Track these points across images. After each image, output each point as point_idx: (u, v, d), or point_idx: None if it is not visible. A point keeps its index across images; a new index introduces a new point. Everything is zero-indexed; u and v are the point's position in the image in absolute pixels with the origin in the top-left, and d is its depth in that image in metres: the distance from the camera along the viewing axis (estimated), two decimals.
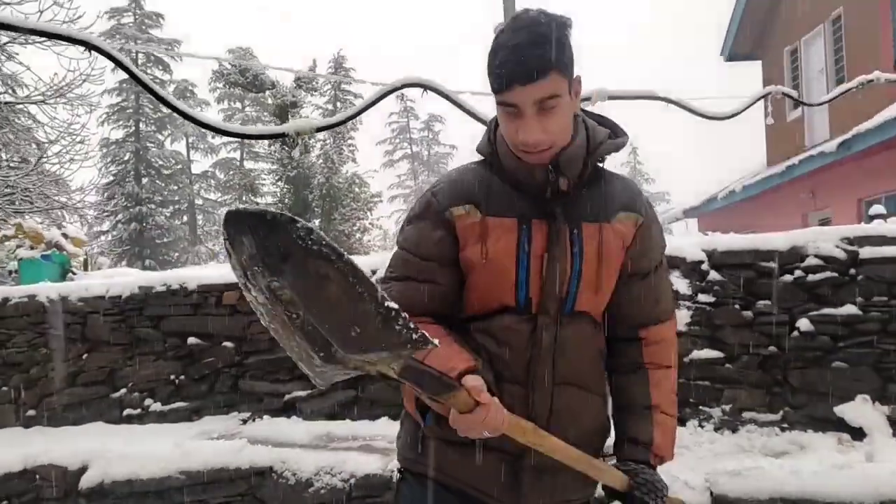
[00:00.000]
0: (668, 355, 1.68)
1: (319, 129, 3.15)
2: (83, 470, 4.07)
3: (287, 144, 16.68)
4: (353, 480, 3.70)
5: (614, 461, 1.58)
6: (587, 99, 4.00)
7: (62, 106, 13.28)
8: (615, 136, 1.61)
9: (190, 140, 33.65)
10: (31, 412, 4.94)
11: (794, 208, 14.47)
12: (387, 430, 4.20)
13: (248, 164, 34.44)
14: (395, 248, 1.64)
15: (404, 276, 1.58)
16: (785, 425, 3.79)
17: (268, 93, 19.75)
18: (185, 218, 33.15)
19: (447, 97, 3.47)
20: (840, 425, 3.64)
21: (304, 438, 4.22)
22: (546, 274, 1.52)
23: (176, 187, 31.70)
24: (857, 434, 3.57)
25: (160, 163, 30.35)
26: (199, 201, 34.87)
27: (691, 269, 4.09)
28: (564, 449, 1.44)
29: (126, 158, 29.23)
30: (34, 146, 14.81)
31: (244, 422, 4.59)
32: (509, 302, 1.54)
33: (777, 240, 3.95)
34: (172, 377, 4.78)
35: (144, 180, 29.17)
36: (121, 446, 4.21)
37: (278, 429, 4.37)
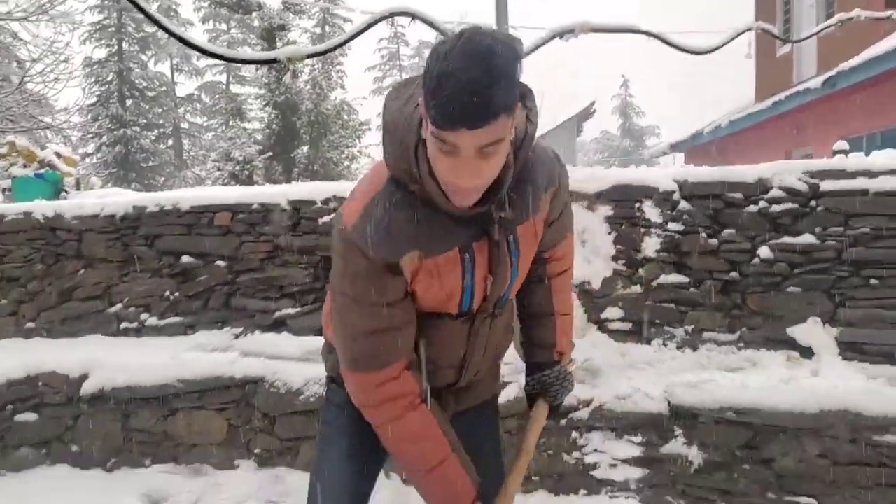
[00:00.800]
0: (567, 262, 1.93)
1: (310, 56, 3.24)
2: (84, 377, 4.30)
3: (277, 70, 16.51)
4: None
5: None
6: (571, 31, 4.10)
7: (45, 23, 13.03)
8: (527, 109, 1.50)
9: (174, 62, 32.98)
10: (31, 324, 5.11)
11: (778, 144, 14.63)
12: None
13: (235, 89, 33.87)
14: (346, 300, 1.55)
15: (375, 329, 1.54)
16: (741, 345, 4.07)
17: (254, 14, 19.36)
18: (170, 142, 32.78)
19: (435, 27, 3.56)
20: (792, 345, 3.91)
21: (293, 352, 4.43)
22: (490, 291, 1.63)
23: (160, 110, 31.25)
24: (807, 353, 3.85)
25: (144, 84, 29.84)
26: (184, 125, 34.43)
27: (663, 199, 4.28)
28: (524, 459, 1.74)
29: (109, 79, 28.71)
30: (15, 65, 14.60)
31: (236, 336, 4.80)
32: (453, 311, 1.64)
33: (745, 172, 4.14)
34: (167, 293, 4.96)
35: (128, 102, 28.74)
36: (120, 356, 4.44)
37: (269, 343, 4.56)
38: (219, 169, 17.13)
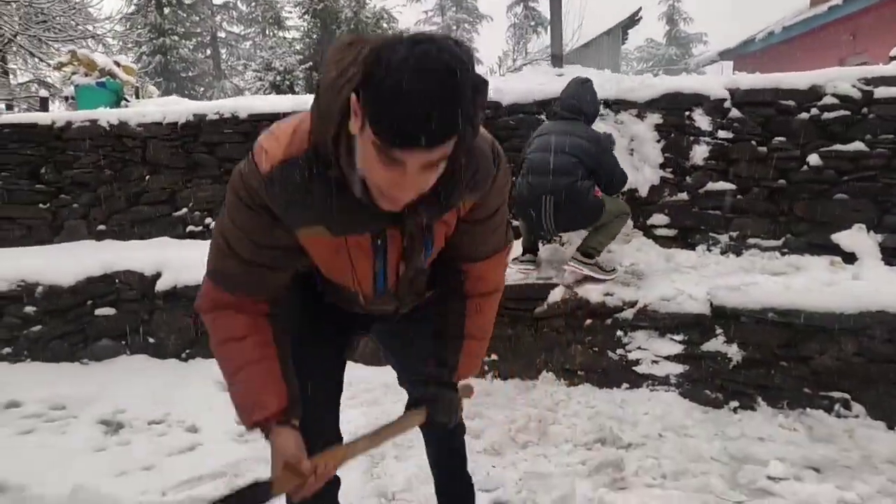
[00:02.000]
0: (491, 284, 1.78)
1: None
2: (157, 276, 4.61)
3: None
4: None
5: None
6: None
7: None
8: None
9: None
10: (102, 227, 5.42)
11: (832, 52, 14.10)
12: None
13: None
14: (233, 228, 1.48)
15: (250, 261, 1.50)
16: (785, 250, 4.17)
17: None
18: (208, 52, 32.64)
19: None
20: (836, 251, 4.01)
21: None
22: (402, 275, 1.60)
23: (198, 18, 30.94)
24: (850, 259, 3.94)
25: None
26: (221, 34, 34.15)
27: (713, 107, 4.31)
28: (369, 443, 1.62)
29: None
30: None
31: None
32: (367, 292, 1.65)
33: (798, 79, 4.13)
34: None
35: (166, 10, 28.47)
36: (188, 257, 4.71)
37: None
38: (259, 79, 17.10)
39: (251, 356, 1.52)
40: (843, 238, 3.97)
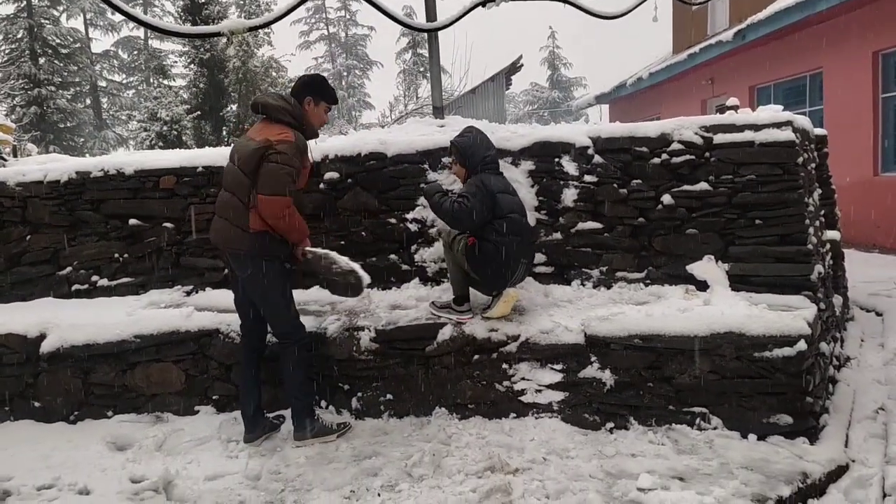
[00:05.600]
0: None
1: (251, 29, 3.47)
2: (42, 337, 4.49)
3: (226, 41, 16.16)
4: None
5: None
6: (492, 0, 4.43)
7: None
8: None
9: (87, 17, 31.48)
10: None
11: (695, 94, 15.34)
12: (319, 295, 4.78)
13: (154, 44, 32.69)
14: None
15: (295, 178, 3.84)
16: (648, 281, 4.60)
17: None
18: (88, 101, 31.45)
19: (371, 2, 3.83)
20: (690, 280, 4.46)
21: None
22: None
23: (76, 68, 29.80)
24: (702, 286, 4.39)
25: (57, 41, 28.28)
26: (102, 83, 33.04)
27: (579, 154, 4.73)
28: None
29: (19, 36, 27.21)
30: None
31: (188, 293, 5.06)
32: None
33: (649, 128, 4.61)
34: (116, 255, 5.15)
35: (41, 60, 27.27)
36: (75, 316, 4.65)
37: (220, 298, 4.81)
38: (145, 130, 16.77)
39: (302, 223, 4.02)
40: (695, 268, 4.42)
